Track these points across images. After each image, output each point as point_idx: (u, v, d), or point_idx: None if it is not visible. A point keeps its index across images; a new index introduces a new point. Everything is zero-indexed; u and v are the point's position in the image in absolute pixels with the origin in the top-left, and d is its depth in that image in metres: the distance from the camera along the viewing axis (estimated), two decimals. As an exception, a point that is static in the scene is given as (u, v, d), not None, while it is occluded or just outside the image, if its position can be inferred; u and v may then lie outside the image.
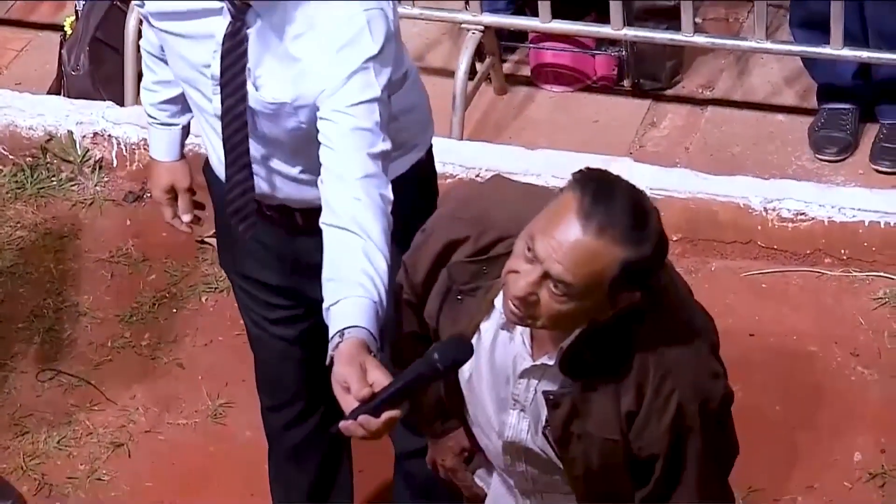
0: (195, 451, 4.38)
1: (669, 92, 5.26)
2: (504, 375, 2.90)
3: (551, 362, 2.83)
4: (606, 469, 2.88)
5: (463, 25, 5.10)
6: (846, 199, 4.78)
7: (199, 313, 4.70)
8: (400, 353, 3.13)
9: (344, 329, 2.89)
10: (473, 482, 3.24)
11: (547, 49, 5.26)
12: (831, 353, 4.53)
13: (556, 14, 5.03)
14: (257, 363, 3.84)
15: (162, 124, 3.63)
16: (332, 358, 2.89)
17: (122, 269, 4.88)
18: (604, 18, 5.04)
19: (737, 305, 4.66)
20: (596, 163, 4.71)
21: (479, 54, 5.15)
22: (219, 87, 3.28)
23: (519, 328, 2.85)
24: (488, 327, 2.89)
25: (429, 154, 3.59)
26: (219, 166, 3.46)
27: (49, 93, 5.31)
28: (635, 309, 2.75)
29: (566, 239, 2.65)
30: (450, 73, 5.09)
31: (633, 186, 2.72)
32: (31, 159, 5.18)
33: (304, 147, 3.28)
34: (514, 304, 2.71)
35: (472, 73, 5.09)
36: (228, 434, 4.35)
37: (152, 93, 3.62)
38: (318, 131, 3.19)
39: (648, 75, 5.25)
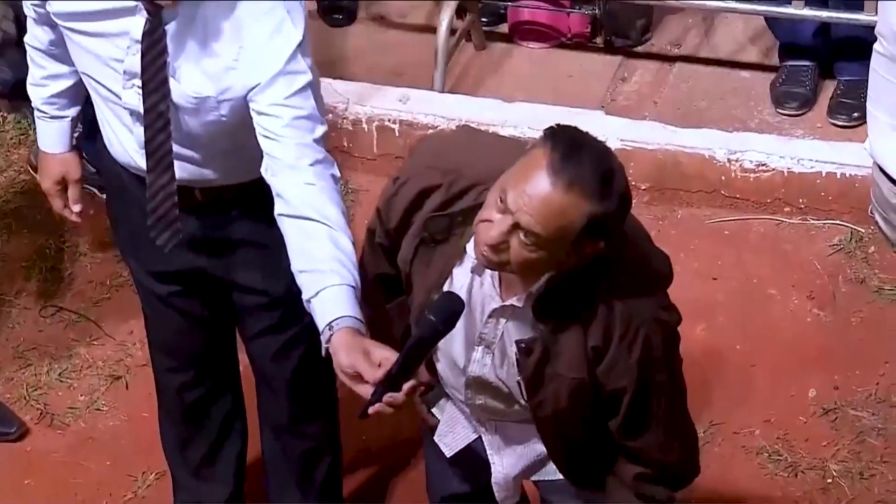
0: (189, 384, 4.38)
1: (640, 49, 5.26)
2: (474, 316, 2.91)
3: (519, 304, 2.84)
4: (573, 408, 2.91)
5: (445, -16, 5.09)
6: (805, 151, 4.78)
7: (193, 254, 4.69)
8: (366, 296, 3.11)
9: (332, 322, 2.88)
10: (428, 414, 3.24)
11: (524, 7, 5.26)
12: (789, 295, 4.54)
13: (534, -26, 5.03)
14: (153, 327, 3.71)
15: (51, 117, 3.51)
16: (327, 350, 2.88)
17: (120, 213, 4.87)
18: (579, -21, 5.05)
19: (701, 251, 4.67)
20: (569, 116, 4.78)
21: (459, 12, 5.13)
22: (131, 83, 3.17)
23: (488, 272, 2.86)
24: (460, 272, 2.90)
25: None
26: (121, 151, 3.34)
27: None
28: (600, 256, 2.77)
29: (536, 193, 2.66)
30: (432, 30, 5.08)
31: (602, 144, 2.73)
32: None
33: (219, 137, 3.22)
34: (486, 251, 2.73)
35: (453, 30, 5.08)
36: (220, 368, 4.34)
37: (41, 87, 3.49)
38: (254, 125, 3.11)
39: (620, 33, 5.25)
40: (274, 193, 3.10)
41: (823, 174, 4.73)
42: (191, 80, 3.15)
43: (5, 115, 5.19)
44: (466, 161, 2.90)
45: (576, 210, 2.66)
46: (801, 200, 4.76)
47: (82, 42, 3.23)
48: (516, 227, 2.68)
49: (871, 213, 3.66)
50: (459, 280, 2.90)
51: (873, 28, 4.81)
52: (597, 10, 5.20)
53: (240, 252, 3.45)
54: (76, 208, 3.56)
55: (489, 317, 2.89)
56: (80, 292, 4.65)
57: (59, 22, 3.25)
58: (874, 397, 4.24)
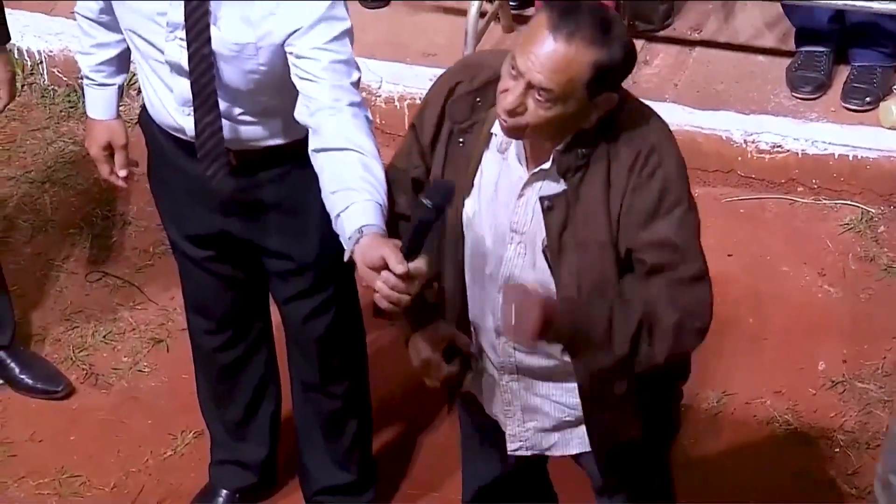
0: (227, 348, 4.39)
1: (661, 33, 5.23)
2: (505, 206, 2.89)
3: (547, 166, 2.85)
4: (598, 283, 2.86)
5: (475, -32, 5.06)
6: (819, 133, 4.77)
7: (232, 224, 4.69)
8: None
9: (362, 227, 2.88)
10: (448, 371, 3.06)
11: (551, -9, 5.22)
12: (801, 272, 4.53)
13: (561, -40, 4.99)
14: (190, 290, 3.71)
15: (99, 85, 3.54)
16: (351, 254, 2.87)
17: (163, 183, 4.87)
18: (604, -36, 5.01)
19: (717, 228, 4.64)
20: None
21: (489, -5, 5.12)
22: (173, 35, 3.18)
23: (514, 151, 2.87)
24: (489, 159, 2.91)
25: None
26: (162, 112, 3.35)
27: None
28: (614, 113, 2.80)
29: (541, 51, 2.71)
30: (462, 12, 5.06)
31: (598, 2, 2.78)
32: (82, 81, 5.16)
33: (255, 91, 3.22)
34: (506, 119, 2.77)
35: (482, 13, 5.06)
36: (257, 332, 4.34)
37: (89, 55, 3.52)
38: (291, 70, 3.13)
39: (643, 17, 5.22)
40: (311, 132, 3.11)
41: (836, 156, 4.71)
42: (231, 27, 3.16)
43: (56, 88, 5.19)
44: (487, 58, 2.95)
45: (580, 59, 2.71)
46: (814, 181, 4.74)
47: None
48: (529, 87, 2.73)
49: None
50: (489, 170, 2.90)
51: (887, 16, 4.79)
52: (621, -5, 5.18)
53: (270, 216, 3.45)
54: (122, 173, 3.58)
55: (519, 197, 2.88)
56: (125, 259, 4.67)
57: None
58: (881, 371, 4.23)
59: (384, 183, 3.00)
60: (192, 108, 3.27)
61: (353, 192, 2.96)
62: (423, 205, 2.80)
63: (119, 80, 3.55)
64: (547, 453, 3.17)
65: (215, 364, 3.79)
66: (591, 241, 2.84)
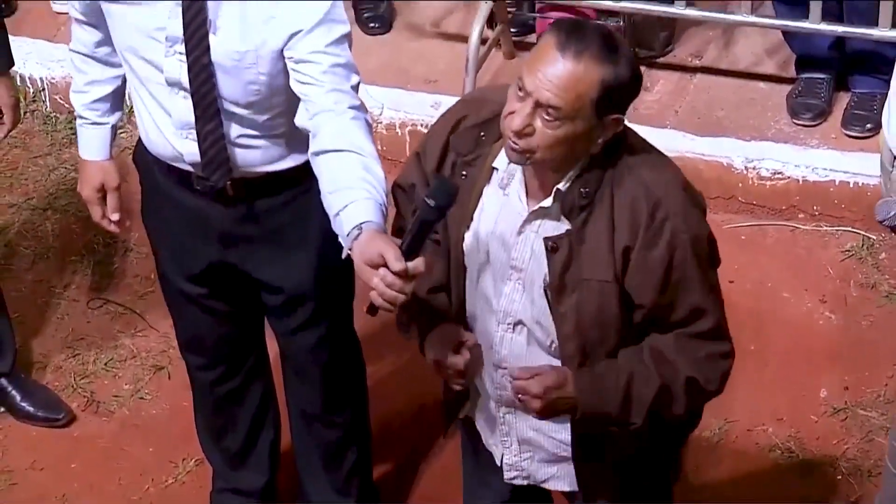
0: (228, 375, 4.37)
1: (662, 60, 5.23)
2: (505, 241, 2.88)
3: (547, 204, 2.83)
4: (598, 320, 2.86)
5: (477, -5, 5.07)
6: (819, 160, 4.76)
7: (233, 251, 4.68)
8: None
9: (362, 223, 2.86)
10: (463, 361, 2.98)
11: (552, 18, 5.23)
12: (802, 299, 4.52)
13: (562, -13, 5.00)
14: (183, 327, 3.69)
15: (93, 124, 3.49)
16: (349, 252, 2.85)
17: (165, 210, 4.86)
18: (604, -9, 5.01)
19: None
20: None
21: (490, 22, 5.11)
22: (173, 49, 3.16)
23: (515, 187, 2.86)
24: (490, 194, 2.89)
25: None
26: (159, 140, 3.31)
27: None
28: (617, 142, 2.79)
29: (550, 69, 2.71)
30: (464, 39, 5.06)
31: (603, 25, 2.81)
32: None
33: (255, 106, 3.20)
34: (513, 141, 2.75)
35: (483, 39, 5.06)
36: (258, 360, 4.33)
37: (83, 94, 3.47)
38: (291, 76, 3.12)
39: (643, 44, 5.21)
40: (310, 135, 3.09)
41: (837, 183, 4.70)
42: (230, 35, 3.14)
43: (58, 115, 5.18)
44: (492, 94, 2.95)
45: (588, 77, 2.71)
46: (814, 207, 4.73)
47: (126, 16, 3.20)
48: (538, 105, 2.72)
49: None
50: (489, 205, 2.89)
51: (887, 42, 4.79)
52: (621, 22, 5.16)
53: (268, 247, 3.43)
54: (114, 217, 3.53)
55: (518, 234, 2.86)
56: (127, 286, 4.66)
57: (103, 1, 3.22)
58: (883, 398, 4.22)
59: (384, 183, 2.98)
60: (190, 130, 3.25)
61: (352, 190, 2.94)
62: (426, 204, 2.77)
63: (113, 118, 3.51)
64: (543, 485, 3.16)
65: (213, 398, 3.77)
66: (594, 279, 2.82)
